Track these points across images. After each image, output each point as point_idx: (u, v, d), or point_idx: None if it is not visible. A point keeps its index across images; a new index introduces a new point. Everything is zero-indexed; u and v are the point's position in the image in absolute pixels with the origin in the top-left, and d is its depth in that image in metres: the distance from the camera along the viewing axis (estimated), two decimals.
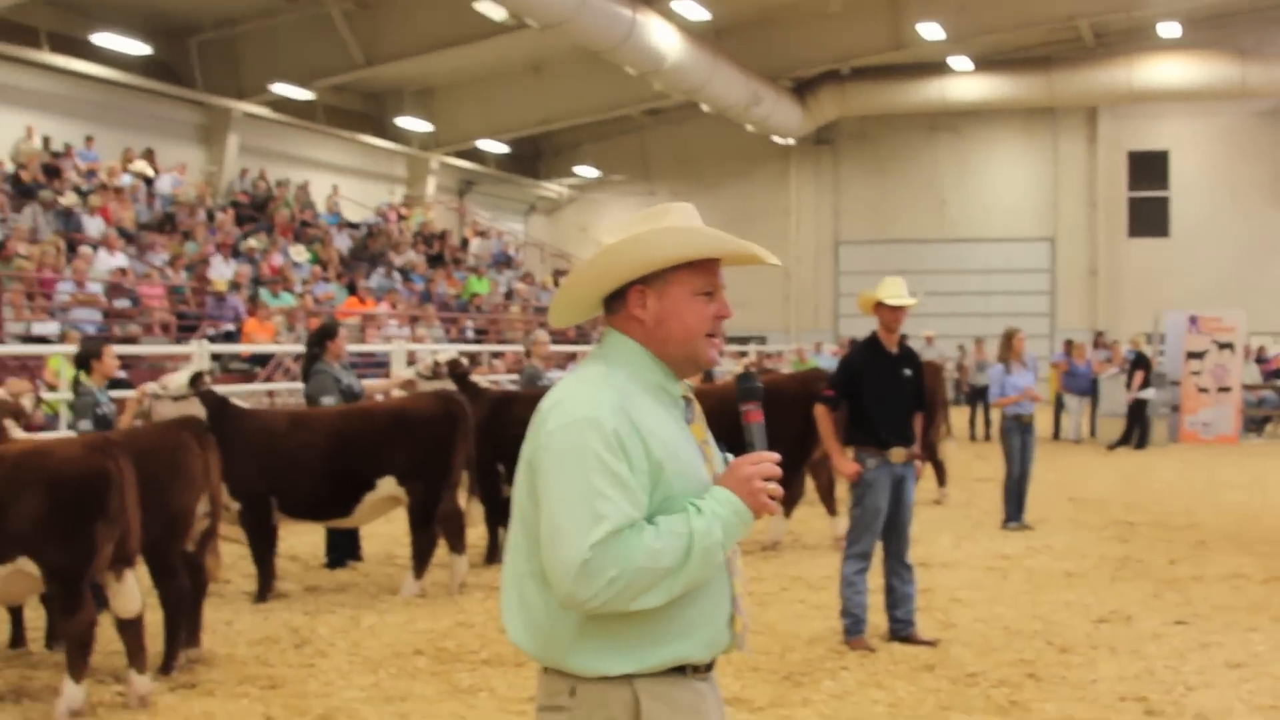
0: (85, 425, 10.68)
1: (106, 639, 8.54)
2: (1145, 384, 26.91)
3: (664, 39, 32.28)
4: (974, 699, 8.41)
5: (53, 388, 15.78)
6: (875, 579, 9.92)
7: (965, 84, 41.60)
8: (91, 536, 7.85)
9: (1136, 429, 27.21)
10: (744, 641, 3.60)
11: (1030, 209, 45.95)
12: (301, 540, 14.02)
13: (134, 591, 8.19)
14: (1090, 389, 29.43)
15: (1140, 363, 27.16)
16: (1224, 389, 28.62)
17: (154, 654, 8.68)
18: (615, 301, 3.59)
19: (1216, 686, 8.73)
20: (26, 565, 7.90)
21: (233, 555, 11.64)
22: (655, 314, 3.52)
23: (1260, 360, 33.64)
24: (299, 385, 15.09)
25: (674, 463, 3.39)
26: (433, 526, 11.75)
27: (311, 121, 36.15)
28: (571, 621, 3.37)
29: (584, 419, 3.33)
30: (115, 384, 11.96)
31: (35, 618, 9.97)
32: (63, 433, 13.73)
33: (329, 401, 12.86)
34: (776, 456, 3.46)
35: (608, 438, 3.29)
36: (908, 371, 9.99)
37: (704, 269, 3.55)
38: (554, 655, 3.44)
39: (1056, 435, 29.54)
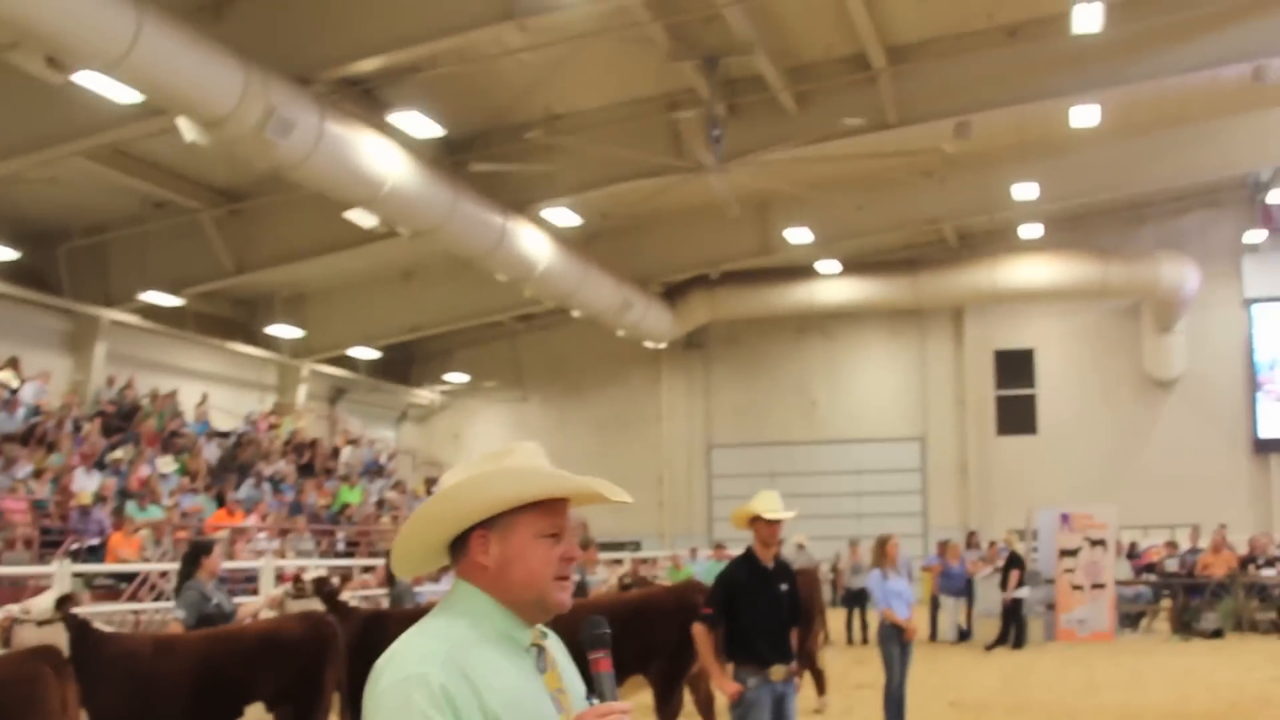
0: None
1: None
2: (1020, 583, 27.06)
3: (535, 246, 32.44)
4: None
5: None
6: None
7: (833, 287, 42.21)
8: None
9: (1013, 628, 27.31)
10: None
11: (900, 409, 46.45)
12: None
13: None
14: (965, 589, 29.55)
15: (1014, 562, 27.32)
16: (1098, 585, 28.80)
17: None
18: (458, 548, 3.46)
19: None
20: None
21: None
22: (499, 559, 3.39)
23: (1132, 555, 34.03)
24: (167, 604, 14.74)
25: (515, 714, 3.25)
26: None
27: (181, 329, 35.84)
28: None
29: (410, 677, 3.19)
30: None
31: None
32: None
33: (181, 616, 12.61)
34: (627, 707, 3.33)
35: (434, 695, 3.15)
36: (784, 586, 9.94)
37: (549, 509, 3.43)
38: None
39: (934, 636, 29.52)
